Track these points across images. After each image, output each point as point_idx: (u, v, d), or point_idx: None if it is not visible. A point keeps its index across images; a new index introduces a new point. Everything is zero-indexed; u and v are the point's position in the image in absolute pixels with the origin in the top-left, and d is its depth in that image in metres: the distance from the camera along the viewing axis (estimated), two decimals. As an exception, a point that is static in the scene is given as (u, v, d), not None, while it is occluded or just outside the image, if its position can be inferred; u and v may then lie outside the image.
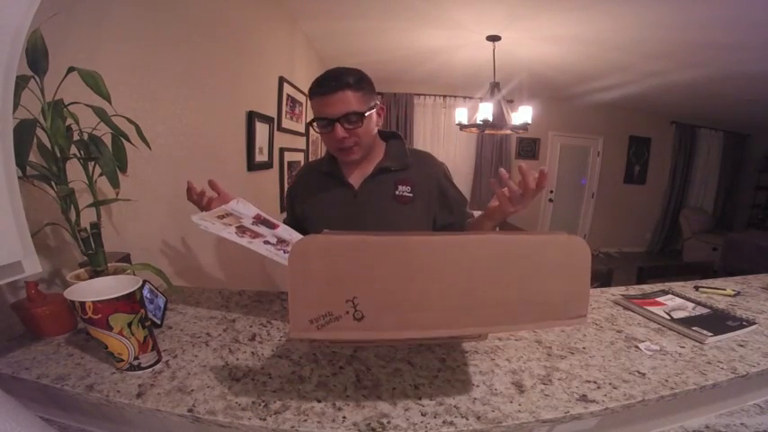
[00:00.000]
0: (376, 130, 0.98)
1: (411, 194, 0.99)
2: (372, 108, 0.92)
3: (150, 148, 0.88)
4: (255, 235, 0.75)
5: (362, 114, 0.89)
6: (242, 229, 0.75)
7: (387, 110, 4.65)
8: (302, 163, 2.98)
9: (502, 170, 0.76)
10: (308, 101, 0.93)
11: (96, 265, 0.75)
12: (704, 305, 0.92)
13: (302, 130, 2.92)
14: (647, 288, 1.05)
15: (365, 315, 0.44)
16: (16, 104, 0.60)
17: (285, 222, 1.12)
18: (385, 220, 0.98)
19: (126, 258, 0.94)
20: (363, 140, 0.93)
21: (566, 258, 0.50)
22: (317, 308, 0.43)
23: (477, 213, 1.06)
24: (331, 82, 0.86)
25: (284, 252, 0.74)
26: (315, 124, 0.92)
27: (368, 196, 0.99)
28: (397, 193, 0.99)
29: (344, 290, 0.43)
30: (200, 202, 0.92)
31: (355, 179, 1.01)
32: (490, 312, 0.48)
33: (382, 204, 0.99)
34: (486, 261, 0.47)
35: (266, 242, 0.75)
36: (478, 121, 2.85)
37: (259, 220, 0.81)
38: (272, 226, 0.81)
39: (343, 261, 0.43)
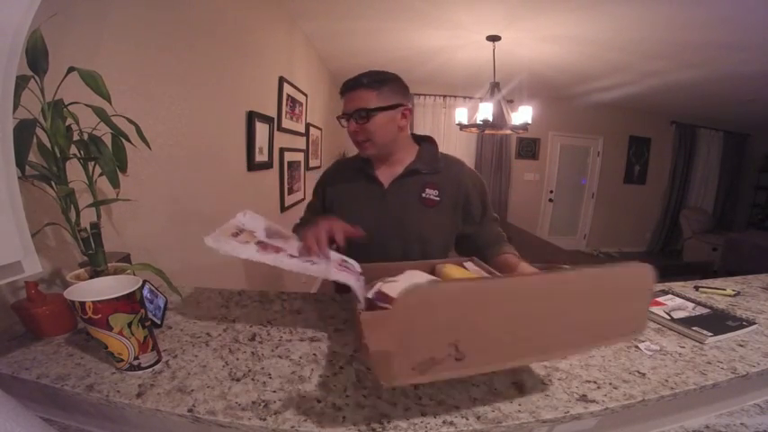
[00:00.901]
0: (399, 131, 1.00)
1: (438, 198, 1.02)
2: (391, 108, 0.95)
3: (150, 148, 0.88)
4: (277, 249, 0.72)
5: (369, 111, 0.93)
6: (263, 245, 0.71)
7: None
8: (302, 163, 2.99)
9: None
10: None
11: (96, 265, 0.75)
12: (704, 305, 0.92)
13: (302, 130, 2.92)
14: (647, 288, 1.05)
15: (466, 355, 0.45)
16: (16, 104, 0.60)
17: (310, 208, 1.16)
18: (410, 220, 1.02)
19: (126, 258, 0.94)
20: (376, 137, 0.96)
21: (635, 284, 0.53)
22: (421, 355, 0.44)
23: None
24: (350, 81, 0.95)
25: (312, 263, 0.71)
26: (341, 120, 1.00)
27: (395, 196, 1.03)
28: (423, 195, 1.02)
29: (448, 335, 0.44)
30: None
31: (385, 178, 1.04)
32: (571, 337, 0.51)
33: (408, 205, 1.02)
34: (574, 295, 0.50)
35: (290, 255, 0.72)
36: (478, 121, 2.85)
37: (271, 232, 0.80)
38: (284, 236, 0.80)
39: (449, 309, 0.44)
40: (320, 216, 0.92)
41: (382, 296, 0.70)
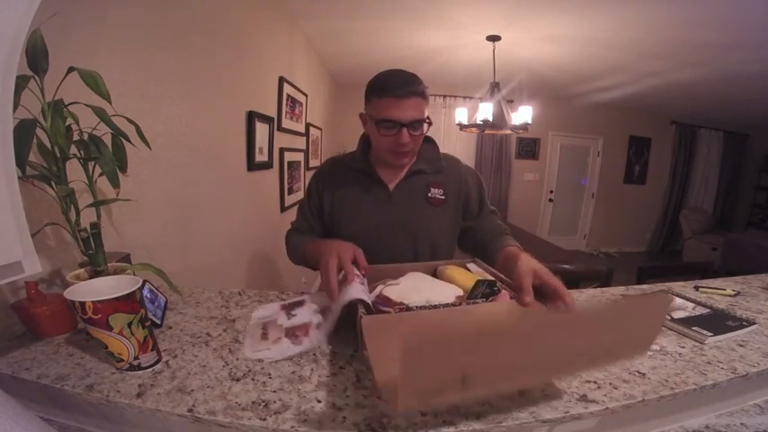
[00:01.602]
0: None
1: (443, 197, 1.03)
2: (428, 119, 0.94)
3: (150, 148, 0.88)
4: (304, 330, 0.72)
5: (427, 123, 0.92)
6: (291, 333, 0.71)
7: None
8: (302, 163, 2.98)
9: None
10: (370, 97, 0.92)
11: (96, 265, 0.75)
12: (704, 305, 0.92)
13: (302, 130, 2.92)
14: (647, 288, 1.05)
15: (472, 385, 0.46)
16: (16, 104, 0.60)
17: (304, 211, 1.12)
18: (417, 220, 1.02)
19: (126, 258, 0.94)
20: (417, 147, 0.97)
21: (651, 318, 0.54)
22: (426, 386, 0.44)
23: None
24: (407, 87, 0.87)
25: (331, 314, 0.70)
26: (379, 126, 0.90)
27: (402, 197, 1.02)
28: (429, 195, 1.02)
29: (455, 370, 0.44)
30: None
31: (389, 179, 1.03)
32: (577, 364, 0.55)
33: (415, 205, 1.02)
34: (584, 333, 0.51)
35: (317, 324, 0.72)
36: (478, 121, 2.85)
37: (287, 306, 0.81)
38: (301, 303, 0.81)
39: (458, 349, 0.44)
40: (321, 242, 0.91)
41: (384, 300, 0.70)
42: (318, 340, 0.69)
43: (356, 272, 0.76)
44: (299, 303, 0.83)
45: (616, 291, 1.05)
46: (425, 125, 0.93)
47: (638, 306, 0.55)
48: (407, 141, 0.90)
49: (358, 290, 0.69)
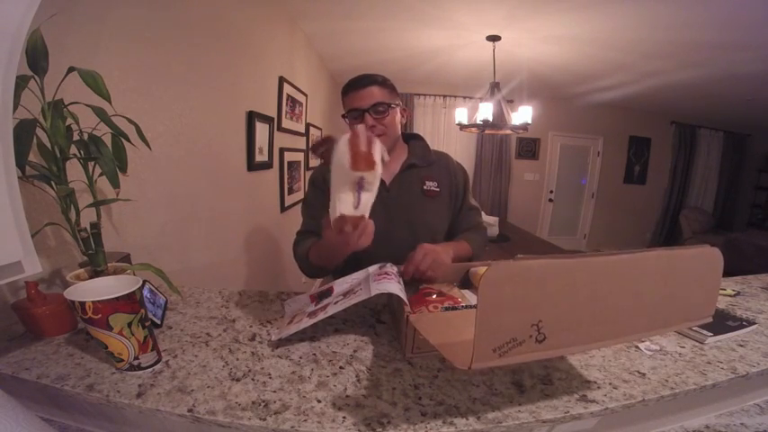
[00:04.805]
0: (400, 129, 1.05)
1: (438, 189, 1.08)
2: (396, 106, 1.01)
3: (150, 148, 0.88)
4: (324, 307, 0.74)
5: (388, 105, 0.99)
6: (312, 314, 0.73)
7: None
8: (302, 163, 2.98)
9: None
10: (342, 99, 1.03)
11: (96, 265, 0.75)
12: (704, 305, 0.92)
13: (302, 130, 2.92)
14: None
15: (547, 336, 0.44)
16: (16, 104, 0.60)
17: (310, 210, 1.12)
18: (417, 213, 1.06)
19: (126, 258, 0.94)
20: (390, 131, 1.01)
21: (706, 267, 0.56)
22: (503, 335, 0.43)
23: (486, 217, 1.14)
24: (362, 80, 0.99)
25: (354, 294, 0.72)
26: (347, 116, 1.01)
27: (399, 191, 1.06)
28: (425, 187, 1.07)
29: (531, 314, 0.43)
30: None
31: (385, 175, 1.06)
32: (649, 320, 0.52)
33: (412, 199, 1.06)
34: (653, 275, 0.51)
35: (335, 303, 0.74)
36: (478, 121, 2.84)
37: (315, 298, 0.82)
38: (329, 292, 0.82)
39: (534, 286, 0.43)
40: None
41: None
42: (335, 309, 0.70)
43: (394, 271, 0.78)
44: (329, 291, 0.83)
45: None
46: (389, 108, 1.00)
47: (691, 256, 0.55)
48: (372, 124, 0.98)
49: (396, 287, 0.69)
